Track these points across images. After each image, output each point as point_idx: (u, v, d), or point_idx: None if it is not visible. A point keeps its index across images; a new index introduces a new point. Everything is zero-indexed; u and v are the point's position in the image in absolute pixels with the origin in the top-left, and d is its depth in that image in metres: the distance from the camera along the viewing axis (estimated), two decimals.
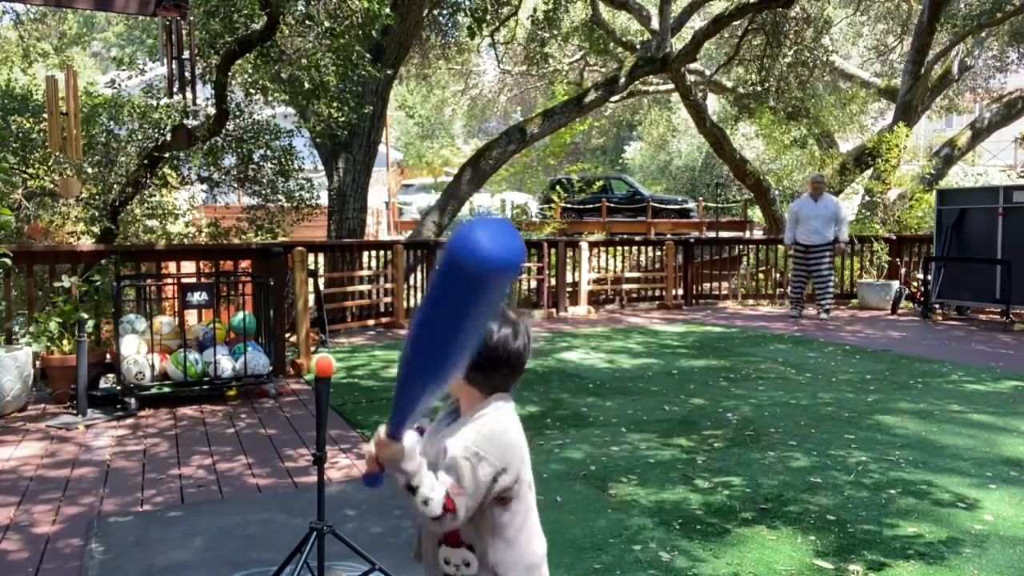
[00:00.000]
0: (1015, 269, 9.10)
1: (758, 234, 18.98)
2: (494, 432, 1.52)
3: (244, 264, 7.17)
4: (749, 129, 20.29)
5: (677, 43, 13.22)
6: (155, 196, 9.59)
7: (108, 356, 5.86)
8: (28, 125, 8.39)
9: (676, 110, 25.32)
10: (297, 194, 10.14)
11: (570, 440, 4.51)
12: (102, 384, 5.58)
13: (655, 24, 13.42)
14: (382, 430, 1.42)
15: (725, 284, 12.27)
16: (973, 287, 9.70)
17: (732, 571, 2.84)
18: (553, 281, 10.56)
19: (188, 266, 7.11)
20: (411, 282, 10.00)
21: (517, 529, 1.56)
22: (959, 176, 18.71)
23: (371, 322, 9.31)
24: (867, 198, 13.67)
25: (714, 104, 21.16)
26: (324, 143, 10.49)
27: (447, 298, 1.24)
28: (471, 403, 1.59)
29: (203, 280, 6.15)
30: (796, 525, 3.24)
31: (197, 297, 5.53)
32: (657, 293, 11.57)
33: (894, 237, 11.66)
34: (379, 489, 1.57)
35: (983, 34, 15.46)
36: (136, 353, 5.47)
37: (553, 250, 10.63)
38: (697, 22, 16.09)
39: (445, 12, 13.66)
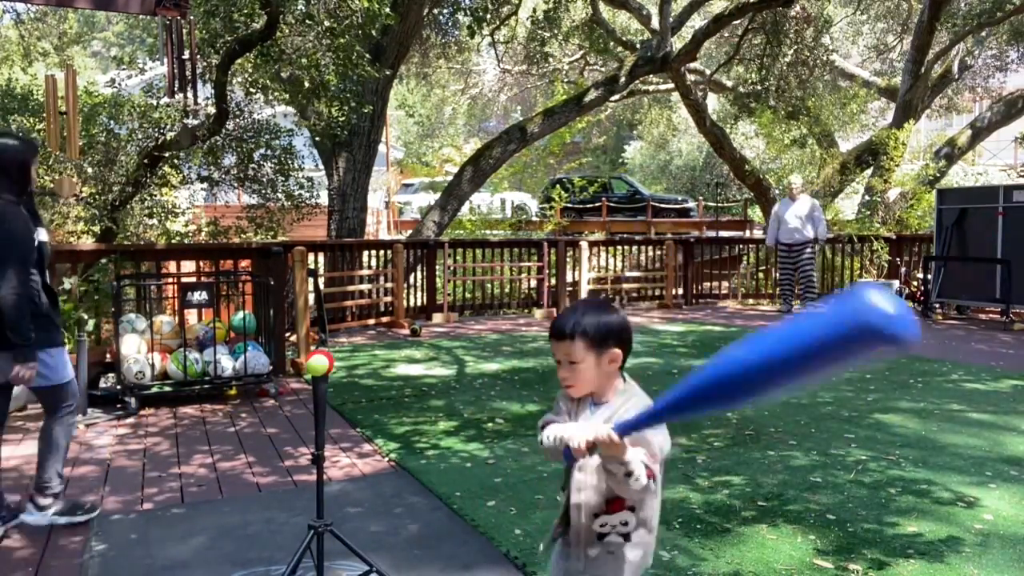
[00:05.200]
0: (1015, 269, 9.10)
1: (758, 233, 18.96)
2: None
3: (244, 263, 7.17)
4: (749, 128, 20.27)
5: (677, 42, 13.21)
6: (155, 195, 9.59)
7: (108, 355, 5.86)
8: (28, 124, 8.39)
9: (676, 109, 25.29)
10: (297, 193, 10.15)
11: None
12: (102, 383, 5.59)
13: (655, 23, 13.41)
14: (612, 432, 1.58)
15: (725, 284, 12.28)
16: (973, 287, 9.70)
17: (732, 570, 2.85)
18: (553, 280, 10.56)
19: (188, 265, 7.11)
20: (411, 281, 10.00)
21: (659, 484, 1.76)
22: (959, 175, 18.72)
23: (371, 321, 9.31)
24: (867, 197, 13.68)
25: (714, 103, 21.15)
26: (324, 142, 10.49)
27: (829, 351, 1.29)
28: (613, 386, 1.80)
29: (203, 279, 6.15)
30: (796, 524, 3.24)
31: (197, 296, 5.53)
32: (657, 292, 11.57)
33: (894, 237, 11.67)
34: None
35: (983, 33, 15.45)
36: (136, 352, 5.47)
37: (553, 249, 10.63)
38: (697, 21, 16.09)
39: (445, 11, 13.66)
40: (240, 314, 6.07)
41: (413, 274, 10.10)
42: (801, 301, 10.28)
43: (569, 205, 21.36)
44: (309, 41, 8.38)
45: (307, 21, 8.26)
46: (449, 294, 10.14)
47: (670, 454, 1.75)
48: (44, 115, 7.35)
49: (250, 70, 9.42)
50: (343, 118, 9.37)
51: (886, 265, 11.47)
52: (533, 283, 11.01)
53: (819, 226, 10.00)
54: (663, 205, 22.03)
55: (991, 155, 24.38)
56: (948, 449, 4.26)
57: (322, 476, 2.60)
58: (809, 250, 10.02)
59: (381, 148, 12.53)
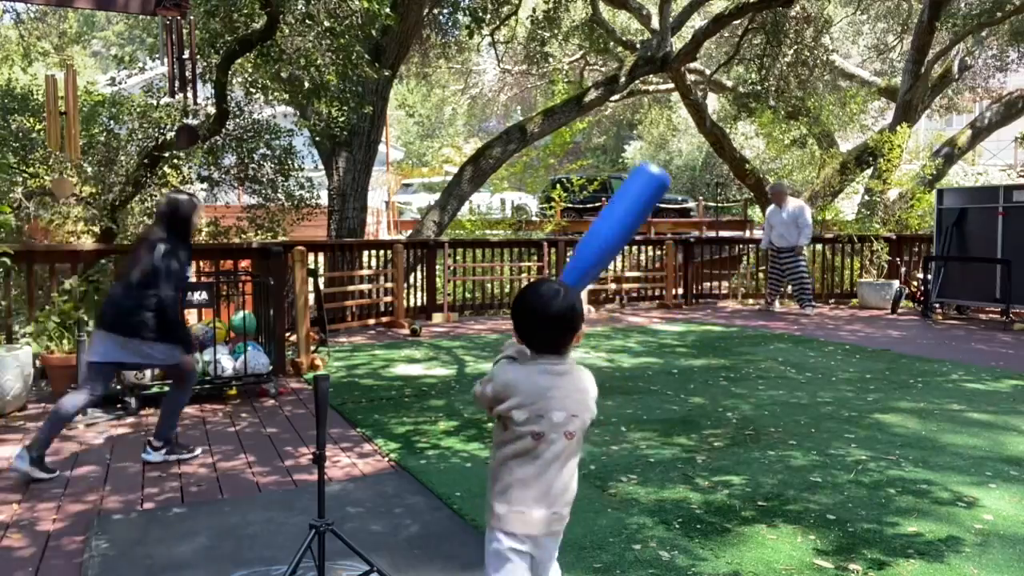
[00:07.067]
0: (1015, 269, 9.10)
1: (758, 233, 18.97)
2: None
3: (244, 263, 7.17)
4: (749, 128, 20.28)
5: (677, 42, 13.21)
6: (155, 196, 9.58)
7: None
8: (28, 124, 8.39)
9: (676, 109, 25.30)
10: (297, 193, 10.14)
11: None
12: None
13: (655, 23, 13.41)
14: None
15: (725, 283, 12.28)
16: (973, 287, 9.70)
17: (732, 570, 2.85)
18: None
19: None
20: (411, 281, 10.00)
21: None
22: (959, 175, 18.70)
23: (371, 321, 9.31)
24: (867, 197, 13.67)
25: (714, 103, 21.15)
26: (324, 142, 10.49)
27: (639, 207, 2.19)
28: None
29: (203, 279, 6.15)
30: (796, 524, 3.25)
31: (197, 296, 5.53)
32: (657, 292, 11.58)
33: (894, 237, 11.67)
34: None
35: (983, 33, 15.44)
36: None
37: (553, 249, 10.64)
38: (697, 21, 16.08)
39: (445, 11, 13.65)
40: (240, 314, 6.08)
41: (413, 274, 10.10)
42: (799, 303, 10.33)
43: (569, 205, 21.36)
44: (309, 41, 8.37)
45: (307, 21, 8.25)
46: (449, 294, 10.14)
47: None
48: (44, 115, 7.36)
49: (250, 70, 9.41)
50: (343, 118, 9.36)
51: (886, 265, 11.47)
52: None
53: (803, 231, 10.15)
54: (663, 205, 22.02)
55: (991, 155, 24.37)
56: (948, 449, 4.26)
57: (323, 475, 2.60)
58: (792, 254, 10.21)
59: (381, 148, 12.52)
